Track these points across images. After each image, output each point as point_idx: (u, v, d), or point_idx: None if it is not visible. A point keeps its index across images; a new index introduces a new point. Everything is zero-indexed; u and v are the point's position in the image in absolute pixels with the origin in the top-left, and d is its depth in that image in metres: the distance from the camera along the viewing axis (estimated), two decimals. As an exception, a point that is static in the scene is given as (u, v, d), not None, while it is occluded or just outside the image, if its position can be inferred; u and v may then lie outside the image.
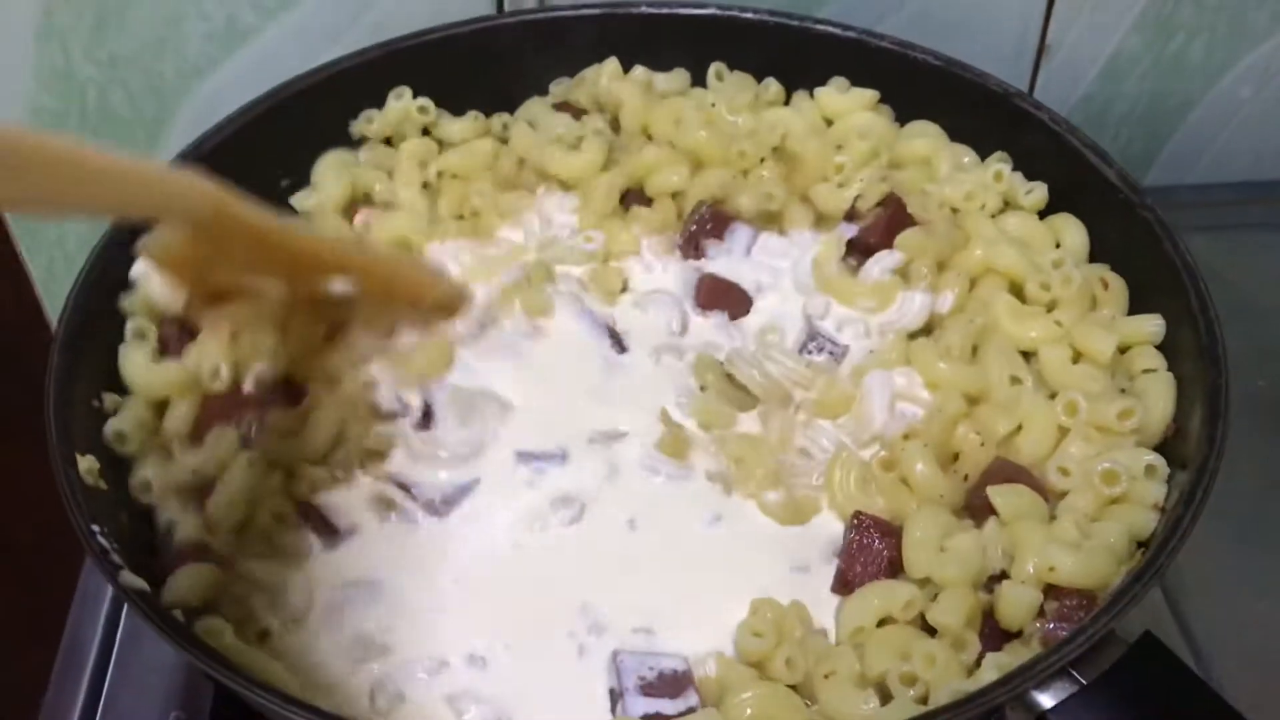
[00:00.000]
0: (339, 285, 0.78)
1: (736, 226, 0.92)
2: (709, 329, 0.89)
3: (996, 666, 0.68)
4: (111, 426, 0.78)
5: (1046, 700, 0.66)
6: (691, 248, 0.92)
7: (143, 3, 0.99)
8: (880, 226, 0.89)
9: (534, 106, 0.99)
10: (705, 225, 0.92)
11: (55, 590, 0.93)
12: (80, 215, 0.92)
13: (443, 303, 0.85)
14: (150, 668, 0.84)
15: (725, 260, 0.92)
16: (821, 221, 0.93)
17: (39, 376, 0.75)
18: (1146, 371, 0.81)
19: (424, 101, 0.96)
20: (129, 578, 0.67)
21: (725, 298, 0.90)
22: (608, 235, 0.92)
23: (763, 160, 0.93)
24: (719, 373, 0.85)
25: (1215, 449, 0.72)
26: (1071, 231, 0.89)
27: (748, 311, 0.90)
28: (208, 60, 1.03)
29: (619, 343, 0.87)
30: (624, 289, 0.91)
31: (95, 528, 0.68)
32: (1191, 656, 0.88)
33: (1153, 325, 0.83)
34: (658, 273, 0.92)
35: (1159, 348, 0.82)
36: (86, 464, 0.73)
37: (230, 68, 1.03)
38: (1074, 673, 0.65)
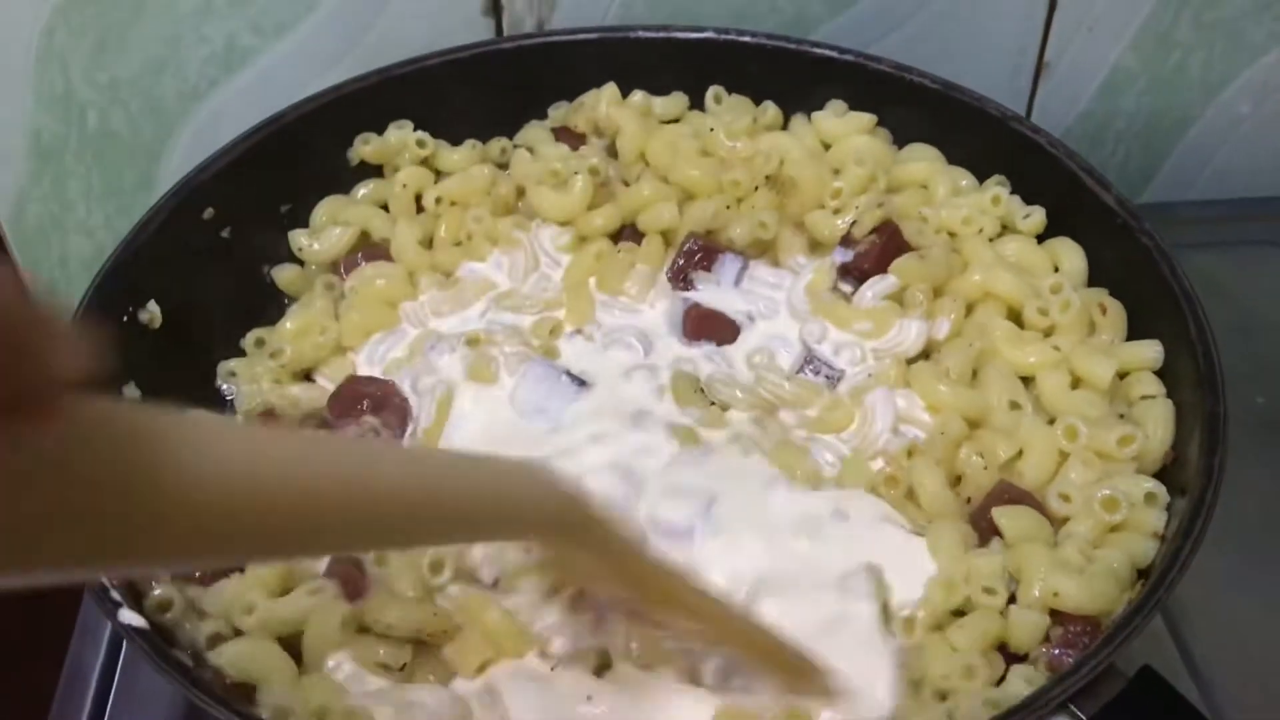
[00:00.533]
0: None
1: (725, 258, 0.91)
2: (686, 353, 0.88)
3: (1025, 679, 0.69)
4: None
5: (1047, 736, 0.66)
6: (680, 280, 0.91)
7: (143, 25, 0.99)
8: (875, 253, 0.88)
9: (533, 131, 0.99)
10: (694, 257, 0.91)
11: (56, 599, 0.93)
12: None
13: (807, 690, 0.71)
14: (152, 695, 0.83)
15: (714, 291, 0.91)
16: (815, 248, 0.93)
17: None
18: (1145, 397, 0.81)
19: (422, 135, 0.96)
20: (128, 615, 0.67)
21: (712, 327, 0.89)
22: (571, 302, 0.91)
23: (756, 188, 0.92)
24: (694, 385, 0.85)
25: (1214, 480, 0.71)
26: (1070, 256, 0.89)
27: (734, 340, 0.89)
28: (207, 82, 1.03)
29: (578, 381, 0.85)
30: (554, 333, 0.88)
31: (95, 564, 0.68)
32: (1191, 679, 0.87)
33: (1151, 351, 0.82)
34: (644, 306, 0.91)
35: (1157, 373, 0.82)
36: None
37: (230, 90, 1.03)
38: (1074, 708, 0.65)
